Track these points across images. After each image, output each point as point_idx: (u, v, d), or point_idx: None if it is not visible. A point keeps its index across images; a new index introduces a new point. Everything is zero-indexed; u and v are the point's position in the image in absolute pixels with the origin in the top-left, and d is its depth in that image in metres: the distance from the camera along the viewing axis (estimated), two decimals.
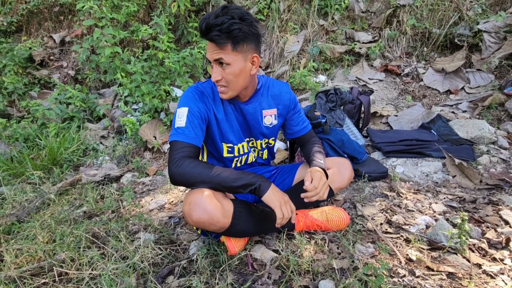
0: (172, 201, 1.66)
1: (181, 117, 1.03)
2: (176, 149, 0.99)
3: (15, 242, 1.25)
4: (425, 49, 2.83)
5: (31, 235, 1.30)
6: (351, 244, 1.11)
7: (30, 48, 3.54)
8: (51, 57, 3.70)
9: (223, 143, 1.18)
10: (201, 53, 2.74)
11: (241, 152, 1.23)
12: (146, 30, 2.70)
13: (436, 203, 1.36)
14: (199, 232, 1.20)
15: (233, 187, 0.97)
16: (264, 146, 1.29)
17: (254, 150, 1.29)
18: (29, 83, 3.42)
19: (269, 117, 1.21)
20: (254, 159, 1.30)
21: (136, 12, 3.26)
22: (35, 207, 1.61)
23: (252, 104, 1.16)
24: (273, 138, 1.28)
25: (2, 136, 2.57)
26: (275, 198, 0.97)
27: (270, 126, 1.23)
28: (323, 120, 1.61)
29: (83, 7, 2.49)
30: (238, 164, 1.27)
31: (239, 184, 0.96)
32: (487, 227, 1.17)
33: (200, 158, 1.22)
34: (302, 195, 1.04)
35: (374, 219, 1.28)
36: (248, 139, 1.24)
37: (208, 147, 1.23)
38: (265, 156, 1.33)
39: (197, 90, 1.10)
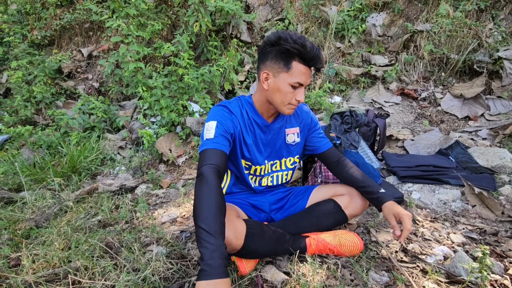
0: (184, 215, 1.67)
1: (210, 129, 1.04)
2: (204, 158, 0.98)
3: (33, 247, 1.29)
4: (442, 74, 2.81)
5: (48, 241, 1.34)
6: (365, 271, 1.08)
7: (60, 61, 3.77)
8: (78, 70, 3.92)
9: (243, 160, 1.20)
10: (219, 70, 2.83)
11: (257, 173, 1.24)
12: (168, 47, 2.84)
13: (454, 233, 1.31)
14: None
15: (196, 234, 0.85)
16: (289, 165, 1.29)
17: (276, 173, 1.29)
18: (56, 93, 3.61)
19: (292, 135, 1.25)
20: (271, 183, 1.30)
21: (160, 30, 3.44)
22: (53, 213, 1.66)
23: (277, 123, 1.21)
24: (298, 156, 1.30)
25: (28, 142, 2.70)
26: None
27: (293, 144, 1.26)
28: (338, 142, 1.61)
29: (112, 24, 2.66)
30: (256, 184, 1.28)
31: (198, 243, 0.83)
32: (510, 263, 1.11)
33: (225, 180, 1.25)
34: (400, 240, 1.04)
35: (388, 246, 1.24)
36: (272, 162, 1.25)
37: (230, 161, 1.22)
38: (289, 177, 1.33)
39: (226, 108, 1.12)
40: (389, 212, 1.08)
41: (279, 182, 1.32)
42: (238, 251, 1.01)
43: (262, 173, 1.25)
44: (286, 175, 1.32)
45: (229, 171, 1.27)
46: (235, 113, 1.12)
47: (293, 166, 1.30)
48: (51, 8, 4.18)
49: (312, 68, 1.09)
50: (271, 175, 1.29)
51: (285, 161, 1.28)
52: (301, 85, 1.06)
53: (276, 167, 1.28)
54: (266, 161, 1.23)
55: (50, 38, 4.24)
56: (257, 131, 1.17)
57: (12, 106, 3.38)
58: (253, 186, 1.26)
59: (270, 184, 1.30)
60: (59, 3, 4.22)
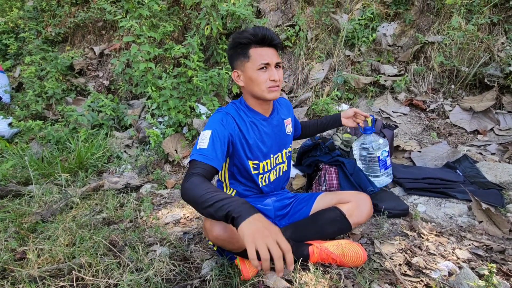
0: (187, 217, 1.68)
1: (204, 139, 1.05)
2: (192, 166, 0.99)
3: (38, 242, 1.31)
4: (452, 86, 2.79)
5: (53, 236, 1.35)
6: (368, 283, 1.07)
7: (72, 58, 3.84)
8: (89, 67, 3.98)
9: (250, 161, 1.21)
10: (228, 73, 2.85)
11: (265, 170, 1.26)
12: (179, 49, 2.87)
13: (460, 248, 1.29)
14: (215, 248, 1.20)
15: (212, 213, 0.83)
16: (287, 155, 1.34)
17: (279, 165, 1.33)
18: (66, 89, 3.67)
19: (289, 126, 1.33)
20: (275, 177, 1.33)
21: (172, 31, 3.48)
22: (59, 209, 1.68)
23: (275, 116, 1.26)
24: (291, 145, 1.38)
25: (37, 137, 2.74)
26: (249, 230, 0.73)
27: (290, 134, 1.34)
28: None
29: (125, 25, 2.70)
30: (264, 183, 1.29)
31: (218, 213, 0.81)
32: None
33: (224, 180, 1.27)
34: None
35: (392, 259, 1.23)
36: (276, 155, 1.28)
37: (235, 166, 1.24)
38: (285, 168, 1.37)
39: (224, 113, 1.14)
40: (346, 114, 1.46)
41: (281, 174, 1.35)
42: (243, 250, 1.02)
43: (269, 168, 1.27)
44: (286, 165, 1.36)
45: (227, 171, 1.28)
46: (234, 116, 1.15)
47: (288, 155, 1.36)
48: (66, 6, 4.27)
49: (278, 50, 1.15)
50: (276, 168, 1.31)
51: (285, 152, 1.32)
52: (267, 64, 1.10)
53: (278, 160, 1.30)
54: (271, 155, 1.26)
55: (63, 35, 4.32)
56: (259, 127, 1.20)
57: (24, 100, 3.44)
58: (261, 185, 1.27)
59: (275, 178, 1.32)
60: (74, 1, 4.31)
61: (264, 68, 1.10)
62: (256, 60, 1.09)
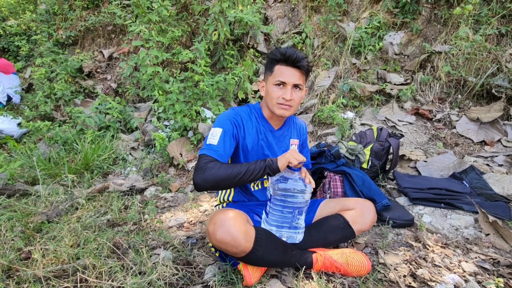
0: (191, 221, 1.68)
1: (215, 136, 1.13)
2: (203, 159, 1.09)
3: (44, 242, 1.32)
4: (459, 96, 2.78)
5: (58, 236, 1.36)
6: None
7: (81, 60, 3.91)
8: (98, 70, 4.05)
9: None
10: (234, 79, 2.87)
11: None
12: (187, 54, 2.91)
13: (466, 261, 1.27)
14: (217, 255, 1.20)
15: (251, 179, 1.07)
16: None
17: None
18: (75, 91, 3.73)
19: (294, 146, 1.34)
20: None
21: (180, 37, 3.53)
22: (65, 209, 1.69)
23: (283, 131, 1.30)
24: None
25: (45, 137, 2.78)
26: (284, 160, 1.07)
27: None
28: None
29: (135, 29, 2.75)
30: (257, 187, 1.32)
31: (255, 175, 1.07)
32: None
33: None
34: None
35: (397, 270, 1.22)
36: None
37: None
38: None
39: (235, 113, 1.21)
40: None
41: None
42: (246, 255, 1.02)
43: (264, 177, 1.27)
44: None
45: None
46: (243, 118, 1.21)
47: None
48: (77, 10, 4.36)
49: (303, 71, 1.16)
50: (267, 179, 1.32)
51: None
52: (283, 83, 1.15)
53: None
54: None
55: (74, 38, 4.41)
56: (264, 135, 1.25)
57: (33, 101, 3.50)
58: (253, 190, 1.30)
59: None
60: (85, 5, 4.40)
61: (281, 85, 1.15)
62: (275, 76, 1.16)
